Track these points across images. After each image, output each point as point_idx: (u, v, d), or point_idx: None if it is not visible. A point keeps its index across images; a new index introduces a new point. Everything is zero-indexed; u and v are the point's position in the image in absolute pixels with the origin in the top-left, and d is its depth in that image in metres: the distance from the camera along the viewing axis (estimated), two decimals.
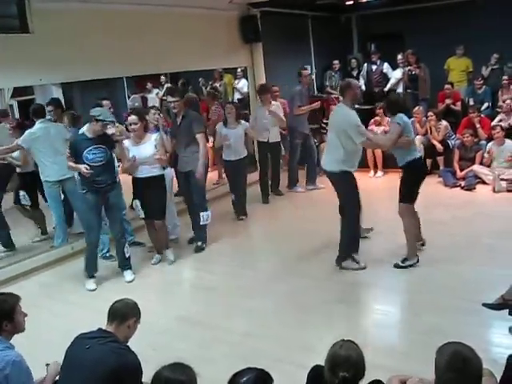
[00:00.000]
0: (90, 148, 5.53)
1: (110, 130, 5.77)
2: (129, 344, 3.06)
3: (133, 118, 5.96)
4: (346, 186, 5.60)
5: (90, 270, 5.84)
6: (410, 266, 5.52)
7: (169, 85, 12.75)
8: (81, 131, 5.85)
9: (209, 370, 3.64)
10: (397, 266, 5.55)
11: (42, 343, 4.37)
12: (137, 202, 6.12)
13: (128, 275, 5.93)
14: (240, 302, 5.18)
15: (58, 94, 11.09)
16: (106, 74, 7.40)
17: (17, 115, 10.75)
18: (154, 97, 12.73)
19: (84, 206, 5.84)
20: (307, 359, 3.45)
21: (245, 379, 2.34)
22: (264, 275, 5.76)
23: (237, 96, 11.72)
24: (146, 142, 5.99)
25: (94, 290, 5.73)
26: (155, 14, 7.64)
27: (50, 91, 11.00)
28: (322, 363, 2.51)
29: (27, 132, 6.50)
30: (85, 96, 11.24)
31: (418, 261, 5.55)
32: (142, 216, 6.22)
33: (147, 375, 2.52)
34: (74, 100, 12.05)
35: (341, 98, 9.79)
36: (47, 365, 3.13)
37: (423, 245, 5.93)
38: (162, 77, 12.68)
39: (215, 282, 5.76)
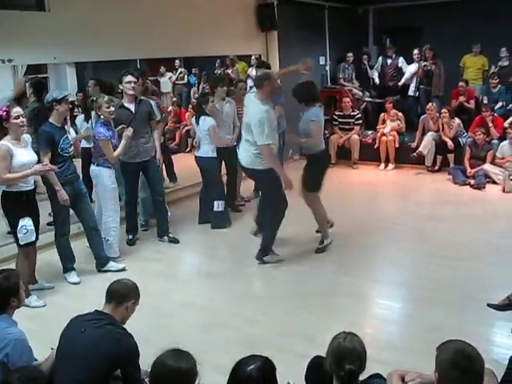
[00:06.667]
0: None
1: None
2: (133, 327, 3.03)
3: None
4: (271, 184, 5.37)
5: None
6: (327, 245, 5.86)
7: (183, 69, 12.75)
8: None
9: (210, 356, 3.67)
10: (318, 250, 5.85)
11: None
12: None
13: None
14: (244, 289, 5.21)
15: (71, 73, 11.09)
16: (120, 55, 7.35)
17: None
18: (166, 80, 12.73)
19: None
20: (308, 349, 3.47)
21: (251, 367, 2.34)
22: (269, 263, 5.75)
23: (250, 83, 11.68)
24: None
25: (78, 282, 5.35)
26: None
27: (63, 70, 11.01)
28: (322, 354, 2.51)
29: None
30: (98, 77, 11.19)
31: (331, 241, 5.89)
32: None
33: (150, 358, 2.50)
34: (87, 80, 12.03)
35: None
36: (52, 349, 3.01)
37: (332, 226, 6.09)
38: (177, 61, 12.67)
39: (220, 268, 5.76)
